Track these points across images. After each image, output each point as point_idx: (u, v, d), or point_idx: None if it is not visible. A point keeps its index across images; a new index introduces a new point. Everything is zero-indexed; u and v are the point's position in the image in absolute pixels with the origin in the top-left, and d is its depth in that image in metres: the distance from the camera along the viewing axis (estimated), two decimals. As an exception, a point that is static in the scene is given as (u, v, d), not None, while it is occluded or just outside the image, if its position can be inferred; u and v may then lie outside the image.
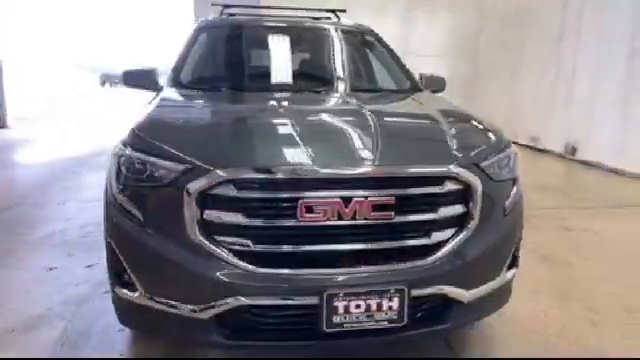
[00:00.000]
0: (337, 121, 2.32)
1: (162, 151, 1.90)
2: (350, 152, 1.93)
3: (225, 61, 3.30)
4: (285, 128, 2.10)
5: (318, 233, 1.81)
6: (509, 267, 2.19)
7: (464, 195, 1.94)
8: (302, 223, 1.77)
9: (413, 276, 1.86)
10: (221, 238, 1.80)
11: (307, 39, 3.38)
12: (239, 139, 2.08)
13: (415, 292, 1.85)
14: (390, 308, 1.82)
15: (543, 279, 3.25)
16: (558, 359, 2.34)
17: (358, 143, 1.99)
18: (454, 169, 1.90)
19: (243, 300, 1.78)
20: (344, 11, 4.34)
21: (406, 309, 1.83)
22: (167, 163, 1.86)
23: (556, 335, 2.57)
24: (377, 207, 1.80)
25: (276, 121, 2.23)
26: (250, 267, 1.79)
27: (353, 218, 1.78)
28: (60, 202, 4.96)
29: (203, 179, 1.76)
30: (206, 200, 1.78)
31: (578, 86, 7.55)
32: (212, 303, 1.79)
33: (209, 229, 1.80)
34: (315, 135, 2.02)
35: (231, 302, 1.78)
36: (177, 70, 3.09)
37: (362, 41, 3.68)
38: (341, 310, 1.78)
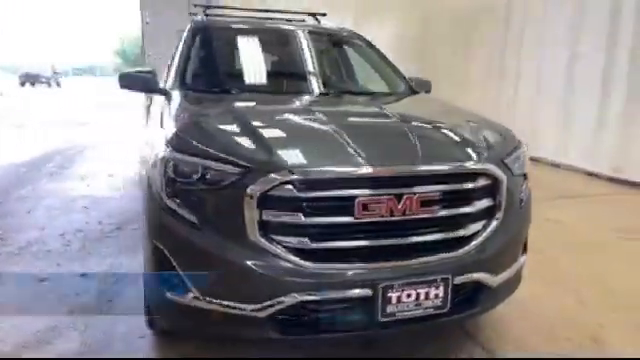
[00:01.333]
0: (374, 122, 2.43)
1: (213, 154, 1.91)
2: (400, 152, 2.05)
3: (237, 63, 3.27)
4: (329, 129, 2.16)
5: (372, 229, 1.91)
6: (521, 253, 2.42)
7: (491, 189, 2.13)
8: (358, 220, 1.86)
9: (455, 265, 2.02)
10: (279, 237, 1.86)
11: (311, 42, 3.42)
12: (292, 140, 2.13)
13: (457, 280, 2.01)
14: (436, 296, 1.97)
15: (526, 266, 3.53)
16: (575, 359, 2.52)
17: (403, 143, 2.12)
18: (488, 165, 2.08)
19: (304, 296, 1.84)
20: (324, 14, 4.45)
21: (449, 296, 1.99)
22: (223, 165, 1.87)
23: (555, 316, 2.84)
24: (424, 203, 1.94)
25: (317, 122, 2.28)
26: (309, 264, 1.86)
27: (403, 214, 1.90)
28: (26, 210, 4.67)
29: (265, 181, 1.80)
30: (265, 201, 1.82)
31: (522, 87, 8.14)
32: (272, 301, 1.84)
33: (267, 229, 1.85)
34: (361, 136, 2.10)
35: (291, 299, 1.84)
36: (182, 72, 3.03)
37: (361, 46, 3.79)
38: (394, 300, 1.90)
